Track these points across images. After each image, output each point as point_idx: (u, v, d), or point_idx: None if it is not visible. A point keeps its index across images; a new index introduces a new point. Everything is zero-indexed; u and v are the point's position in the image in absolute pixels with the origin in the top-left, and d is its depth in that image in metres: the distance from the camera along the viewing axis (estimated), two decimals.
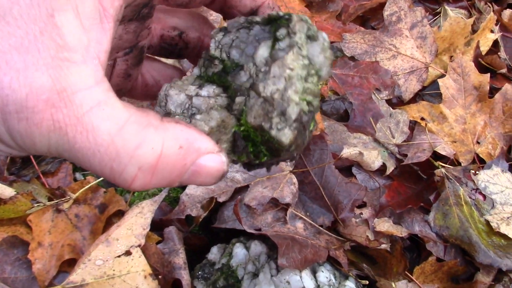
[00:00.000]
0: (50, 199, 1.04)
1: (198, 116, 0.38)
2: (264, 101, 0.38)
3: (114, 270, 0.93)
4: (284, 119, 0.38)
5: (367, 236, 1.06)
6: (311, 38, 0.40)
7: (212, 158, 0.36)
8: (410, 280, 1.06)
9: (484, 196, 1.18)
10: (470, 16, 1.57)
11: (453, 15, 1.48)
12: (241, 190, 1.09)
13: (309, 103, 0.39)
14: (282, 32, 0.39)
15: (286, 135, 0.39)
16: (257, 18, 0.41)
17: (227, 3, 0.44)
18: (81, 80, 0.31)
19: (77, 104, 0.31)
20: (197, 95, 0.39)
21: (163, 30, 0.47)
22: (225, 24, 0.42)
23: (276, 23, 0.40)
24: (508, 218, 1.14)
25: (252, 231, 1.00)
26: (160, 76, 0.50)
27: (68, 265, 0.99)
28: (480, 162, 1.27)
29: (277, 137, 0.39)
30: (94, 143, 0.31)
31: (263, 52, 0.39)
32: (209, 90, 0.40)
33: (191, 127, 0.36)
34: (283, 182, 1.08)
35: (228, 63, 0.40)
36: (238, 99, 0.39)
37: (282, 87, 0.38)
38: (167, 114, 0.39)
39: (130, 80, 0.47)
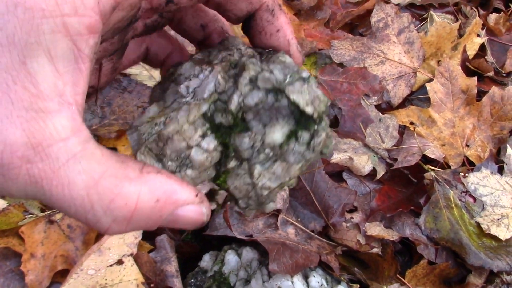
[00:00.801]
0: (42, 210, 1.04)
1: (188, 172, 0.38)
2: (252, 186, 0.39)
3: (106, 280, 0.94)
4: (260, 209, 0.41)
5: (358, 240, 1.07)
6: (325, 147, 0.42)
7: (191, 209, 0.36)
8: (402, 284, 1.07)
9: (474, 198, 1.19)
10: (456, 21, 1.59)
11: (439, 20, 1.50)
12: None
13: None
14: (304, 135, 0.39)
15: (252, 214, 0.42)
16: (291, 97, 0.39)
17: (221, 6, 0.43)
18: (56, 131, 0.30)
19: (52, 158, 0.30)
20: (197, 145, 0.37)
21: (145, 19, 0.45)
22: (252, 72, 0.39)
23: (303, 119, 0.39)
24: (498, 219, 1.15)
25: (243, 237, 1.01)
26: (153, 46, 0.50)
27: (61, 275, 0.99)
28: (469, 165, 1.28)
29: (247, 213, 0.42)
30: (70, 197, 0.31)
31: (277, 137, 0.38)
32: (209, 144, 0.38)
33: (172, 177, 0.35)
34: None
35: (239, 123, 0.39)
36: (231, 164, 0.39)
37: (274, 187, 0.39)
38: (161, 156, 0.38)
39: (117, 70, 0.47)
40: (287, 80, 0.39)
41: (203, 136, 0.38)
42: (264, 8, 0.43)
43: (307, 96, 0.39)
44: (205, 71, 0.40)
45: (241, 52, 0.43)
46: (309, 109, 0.38)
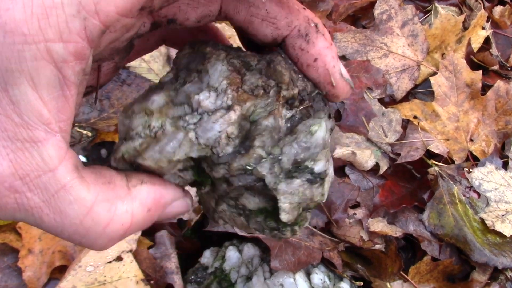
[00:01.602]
0: None
1: None
2: (213, 210, 0.40)
3: (105, 276, 0.92)
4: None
5: (361, 236, 1.06)
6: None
7: (178, 204, 0.38)
8: (406, 280, 1.06)
9: (479, 194, 1.17)
10: (461, 13, 1.56)
11: (444, 12, 1.47)
12: None
13: None
14: (272, 224, 0.38)
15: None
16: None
17: (243, 30, 0.38)
18: (44, 162, 0.29)
19: (41, 188, 0.30)
20: (174, 173, 0.37)
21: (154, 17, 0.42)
22: (260, 151, 0.35)
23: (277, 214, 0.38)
24: (503, 215, 1.14)
25: (245, 233, 0.99)
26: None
27: (59, 271, 0.98)
28: (473, 160, 1.27)
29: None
30: (62, 224, 0.31)
31: (250, 205, 0.38)
32: (186, 175, 0.37)
33: (155, 183, 0.36)
34: None
35: (221, 179, 0.37)
36: (205, 189, 0.39)
37: (227, 223, 0.41)
38: (134, 166, 0.37)
39: (120, 68, 0.45)
40: (291, 170, 0.36)
41: (182, 170, 0.37)
42: (295, 34, 0.37)
43: (296, 199, 0.36)
44: (225, 98, 0.35)
45: (279, 90, 0.37)
46: (284, 217, 0.37)
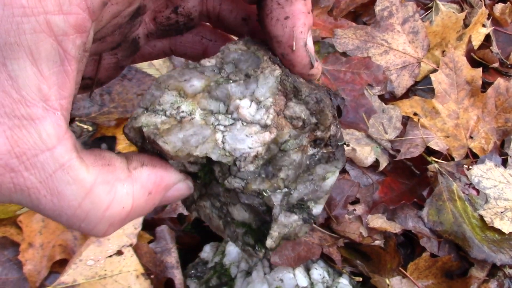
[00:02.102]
0: None
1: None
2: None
3: (105, 270, 0.92)
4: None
5: (361, 232, 1.06)
6: None
7: (179, 187, 0.36)
8: (404, 276, 1.06)
9: (478, 191, 1.17)
10: (462, 10, 1.56)
11: (445, 9, 1.47)
12: None
13: None
14: (250, 240, 0.39)
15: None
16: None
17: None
18: (42, 140, 0.28)
19: (38, 168, 0.29)
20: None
21: (155, 11, 0.41)
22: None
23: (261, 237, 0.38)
24: (501, 212, 1.14)
25: None
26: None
27: (60, 265, 0.98)
28: (473, 157, 1.27)
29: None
30: (60, 207, 0.30)
31: (235, 215, 0.38)
32: (190, 168, 0.37)
33: (156, 165, 0.35)
34: None
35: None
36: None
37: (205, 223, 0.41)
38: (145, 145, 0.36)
39: (123, 68, 0.44)
40: (295, 205, 0.36)
41: (192, 162, 0.36)
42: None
43: (286, 231, 0.37)
44: (265, 115, 0.34)
45: (315, 129, 0.36)
46: (268, 243, 0.37)
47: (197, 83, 0.34)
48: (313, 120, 0.36)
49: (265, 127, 0.34)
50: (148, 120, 0.33)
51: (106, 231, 0.32)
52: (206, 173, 0.37)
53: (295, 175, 0.36)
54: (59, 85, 0.29)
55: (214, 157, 0.33)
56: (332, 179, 0.37)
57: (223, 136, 0.33)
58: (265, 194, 0.35)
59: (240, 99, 0.34)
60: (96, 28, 0.31)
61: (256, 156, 0.34)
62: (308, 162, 0.37)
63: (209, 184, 0.38)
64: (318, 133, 0.37)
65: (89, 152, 0.32)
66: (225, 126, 0.34)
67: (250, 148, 0.33)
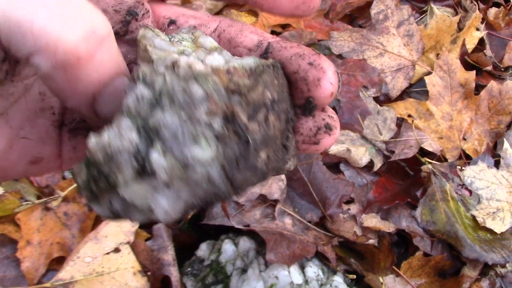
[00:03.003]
0: (38, 198, 1.04)
1: None
2: None
3: (103, 267, 0.94)
4: None
5: (355, 231, 1.07)
6: None
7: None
8: (398, 275, 1.07)
9: (470, 192, 1.19)
10: (456, 14, 1.58)
11: (439, 13, 1.49)
12: None
13: None
14: None
15: None
16: None
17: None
18: None
19: None
20: None
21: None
22: None
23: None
24: (493, 213, 1.16)
25: (241, 227, 1.01)
26: None
27: (57, 263, 0.99)
28: (466, 158, 1.29)
29: None
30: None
31: None
32: None
33: None
34: (271, 179, 1.09)
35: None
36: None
37: None
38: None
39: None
40: None
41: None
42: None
43: None
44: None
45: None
46: None
47: None
48: None
49: None
50: None
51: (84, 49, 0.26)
52: None
53: None
54: None
55: None
56: None
57: None
58: None
59: None
60: None
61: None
62: None
63: None
64: None
65: None
66: None
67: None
